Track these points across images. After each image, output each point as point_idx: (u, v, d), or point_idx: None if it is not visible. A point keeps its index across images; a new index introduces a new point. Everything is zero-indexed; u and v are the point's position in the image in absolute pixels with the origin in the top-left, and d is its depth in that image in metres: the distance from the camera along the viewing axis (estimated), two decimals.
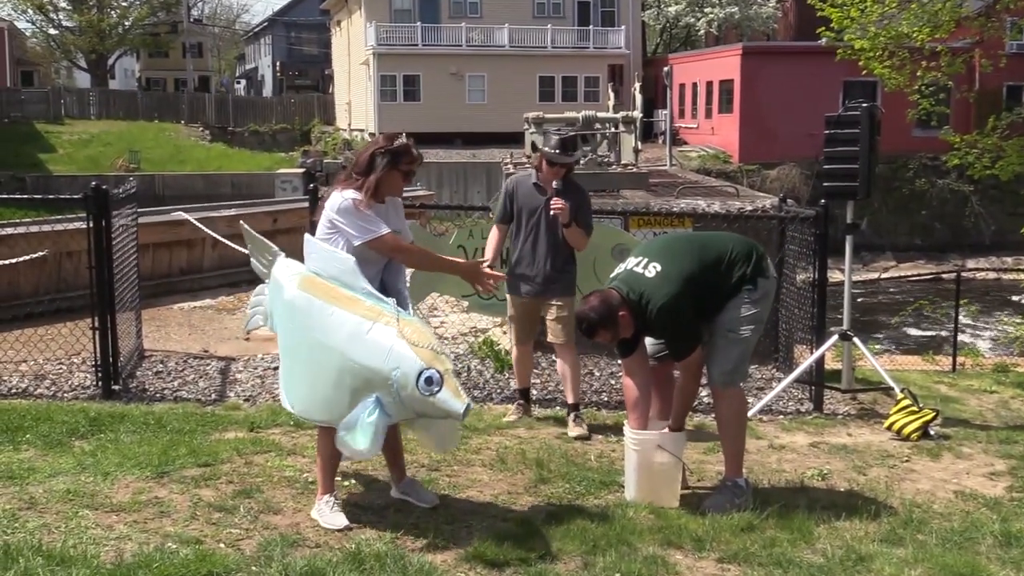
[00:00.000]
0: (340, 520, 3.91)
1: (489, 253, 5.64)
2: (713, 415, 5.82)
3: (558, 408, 6.18)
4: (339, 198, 3.97)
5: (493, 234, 5.78)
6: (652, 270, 4.26)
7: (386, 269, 4.11)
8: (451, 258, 4.43)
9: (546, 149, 5.63)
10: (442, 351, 3.74)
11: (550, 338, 5.77)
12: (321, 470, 4.03)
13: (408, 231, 4.25)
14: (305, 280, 3.94)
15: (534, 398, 6.13)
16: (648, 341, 4.51)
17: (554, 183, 5.51)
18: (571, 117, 9.85)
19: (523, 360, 5.91)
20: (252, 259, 4.43)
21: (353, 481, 4.49)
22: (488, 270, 4.43)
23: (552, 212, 5.45)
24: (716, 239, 4.55)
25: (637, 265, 4.33)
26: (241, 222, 5.01)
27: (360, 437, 3.70)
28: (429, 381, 3.61)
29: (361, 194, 3.94)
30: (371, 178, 3.94)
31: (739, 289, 4.30)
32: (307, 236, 4.06)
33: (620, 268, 4.43)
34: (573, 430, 5.58)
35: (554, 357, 7.16)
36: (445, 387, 3.62)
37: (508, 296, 5.81)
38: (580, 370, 6.00)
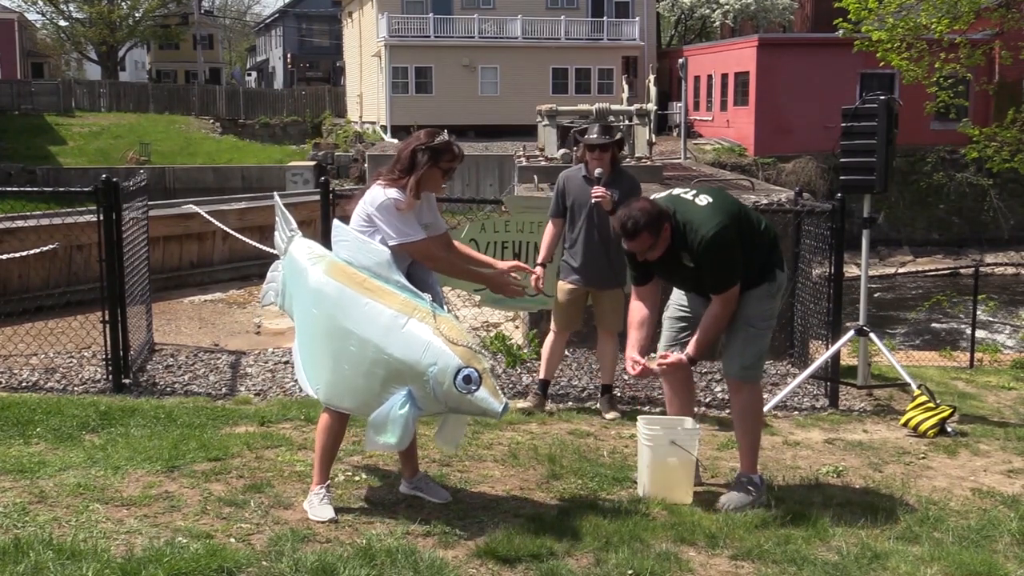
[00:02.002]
0: (327, 512, 3.88)
1: (543, 251, 5.77)
2: (727, 410, 5.79)
3: (571, 403, 6.14)
4: (381, 194, 3.92)
5: (548, 230, 5.85)
6: (704, 199, 4.12)
7: (414, 262, 4.06)
8: (478, 269, 4.35)
9: (587, 136, 5.69)
10: (479, 350, 3.74)
11: (598, 323, 5.90)
12: (318, 460, 4.00)
13: (442, 222, 4.23)
14: (334, 267, 3.89)
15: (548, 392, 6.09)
16: (664, 332, 4.46)
17: (596, 171, 5.57)
18: (585, 109, 9.81)
19: (555, 349, 5.93)
20: (276, 232, 4.38)
21: (364, 476, 4.47)
22: (515, 262, 4.37)
23: (593, 200, 5.52)
24: (751, 209, 4.44)
25: (685, 193, 4.18)
26: (275, 194, 4.97)
27: (390, 430, 3.68)
28: (468, 380, 3.62)
29: (403, 194, 3.90)
30: (413, 178, 3.91)
31: (762, 279, 4.23)
32: (337, 223, 4.00)
33: (663, 194, 4.26)
34: (608, 413, 5.78)
35: (568, 353, 7.10)
36: (483, 386, 3.64)
37: (559, 281, 5.83)
38: (618, 356, 6.10)
